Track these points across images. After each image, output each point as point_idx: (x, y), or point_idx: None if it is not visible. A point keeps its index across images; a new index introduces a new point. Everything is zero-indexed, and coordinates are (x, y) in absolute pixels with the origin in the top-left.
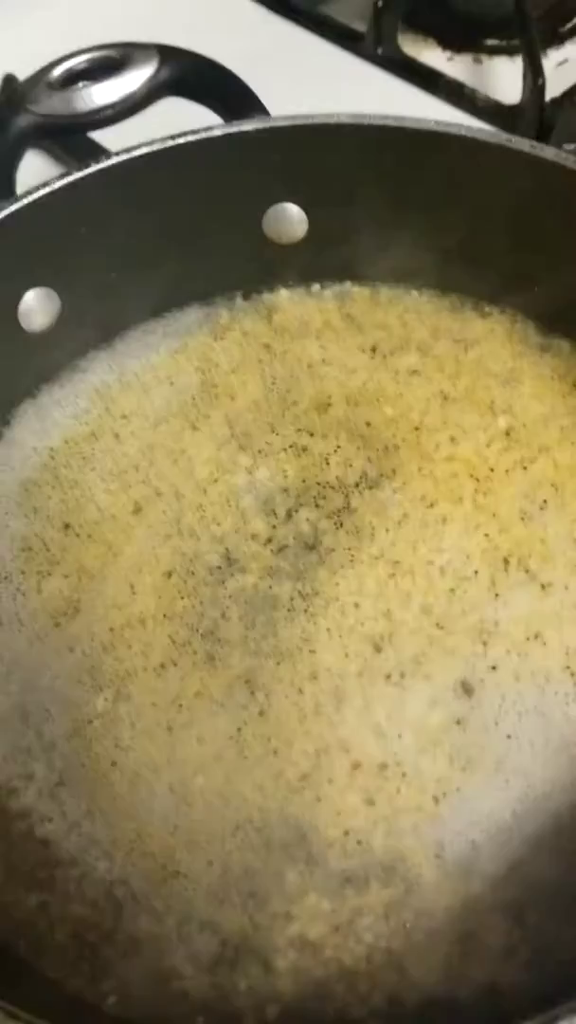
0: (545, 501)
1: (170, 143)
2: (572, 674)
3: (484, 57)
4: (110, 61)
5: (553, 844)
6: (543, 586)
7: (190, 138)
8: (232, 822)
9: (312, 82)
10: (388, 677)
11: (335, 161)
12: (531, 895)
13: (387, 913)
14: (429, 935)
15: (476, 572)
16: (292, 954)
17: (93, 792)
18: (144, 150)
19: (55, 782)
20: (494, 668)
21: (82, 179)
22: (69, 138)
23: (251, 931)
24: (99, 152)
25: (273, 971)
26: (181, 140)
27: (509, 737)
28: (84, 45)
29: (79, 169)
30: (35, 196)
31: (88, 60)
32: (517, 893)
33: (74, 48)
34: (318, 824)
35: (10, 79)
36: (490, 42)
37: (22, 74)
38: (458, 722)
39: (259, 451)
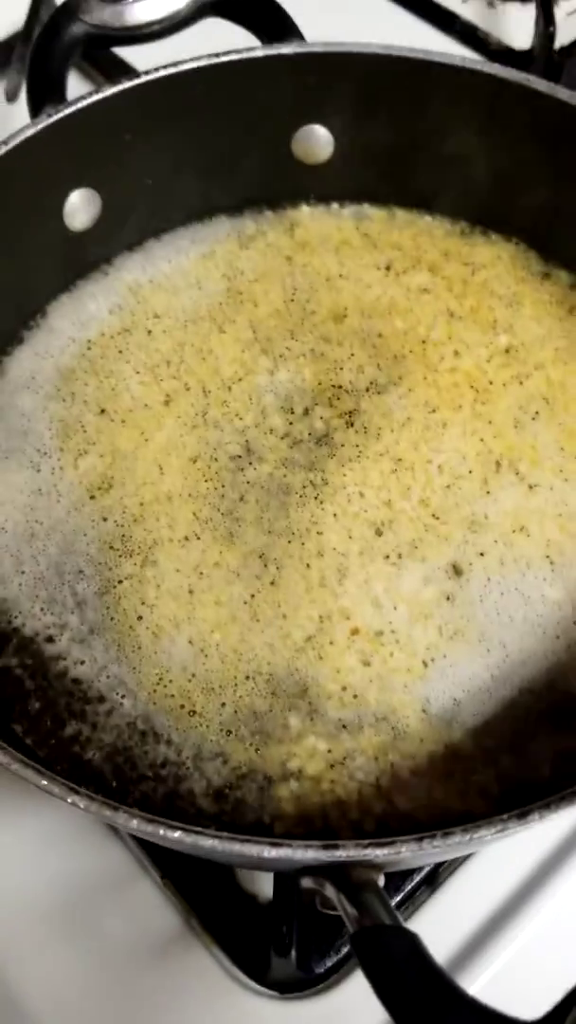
0: (537, 412)
1: (215, 60)
2: (551, 562)
3: (498, 2)
4: None
5: (525, 704)
6: (530, 486)
7: (233, 56)
8: (244, 672)
9: (337, 16)
10: (387, 557)
11: (364, 88)
12: (504, 744)
13: (377, 755)
14: (414, 774)
15: (471, 471)
16: (293, 784)
17: (120, 641)
18: (190, 65)
19: (87, 631)
20: (482, 554)
21: (131, 88)
22: (105, 55)
23: (257, 762)
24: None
25: (276, 796)
26: (225, 58)
27: (492, 613)
28: None
29: (129, 79)
30: (87, 102)
31: None
32: (492, 742)
33: None
34: (319, 679)
35: None
36: None
37: None
38: (448, 598)
39: (280, 355)
